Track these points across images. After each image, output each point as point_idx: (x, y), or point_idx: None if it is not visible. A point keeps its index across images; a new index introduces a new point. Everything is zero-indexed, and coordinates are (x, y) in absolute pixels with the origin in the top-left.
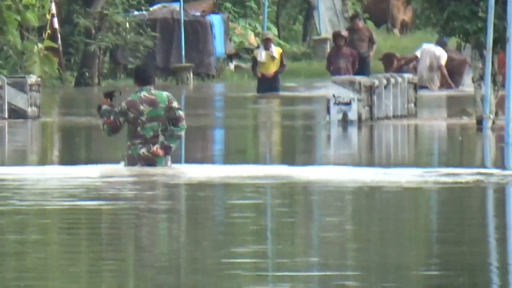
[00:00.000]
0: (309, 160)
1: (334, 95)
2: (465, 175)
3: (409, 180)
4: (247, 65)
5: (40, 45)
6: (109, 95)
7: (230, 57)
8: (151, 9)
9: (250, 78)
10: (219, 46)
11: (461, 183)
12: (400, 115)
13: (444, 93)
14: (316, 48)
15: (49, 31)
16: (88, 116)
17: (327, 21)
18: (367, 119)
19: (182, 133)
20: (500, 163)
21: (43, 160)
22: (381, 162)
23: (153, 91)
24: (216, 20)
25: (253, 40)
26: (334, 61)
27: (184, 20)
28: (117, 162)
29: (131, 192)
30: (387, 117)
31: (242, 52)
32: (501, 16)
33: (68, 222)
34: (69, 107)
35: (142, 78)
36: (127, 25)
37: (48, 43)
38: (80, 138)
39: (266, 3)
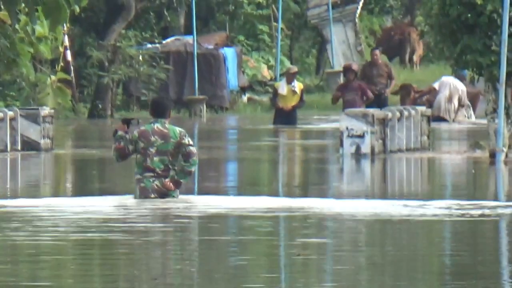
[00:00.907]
0: (324, 192)
1: (347, 128)
2: (477, 209)
3: (424, 213)
4: (260, 98)
5: (53, 77)
6: (127, 121)
7: (243, 90)
8: (164, 42)
9: (263, 111)
10: (233, 78)
11: (475, 216)
12: (413, 148)
13: (459, 126)
14: (329, 80)
15: (62, 64)
16: (101, 148)
17: (340, 55)
18: (380, 152)
19: (193, 169)
20: None
21: (56, 192)
22: (394, 195)
23: (167, 125)
24: (229, 53)
25: (266, 72)
26: (343, 94)
27: (198, 53)
28: (130, 193)
29: (147, 225)
30: (400, 150)
31: (255, 85)
32: None
33: (80, 254)
34: (82, 139)
35: (158, 110)
36: (140, 57)
37: (61, 75)
38: (93, 170)
39: (280, 37)
